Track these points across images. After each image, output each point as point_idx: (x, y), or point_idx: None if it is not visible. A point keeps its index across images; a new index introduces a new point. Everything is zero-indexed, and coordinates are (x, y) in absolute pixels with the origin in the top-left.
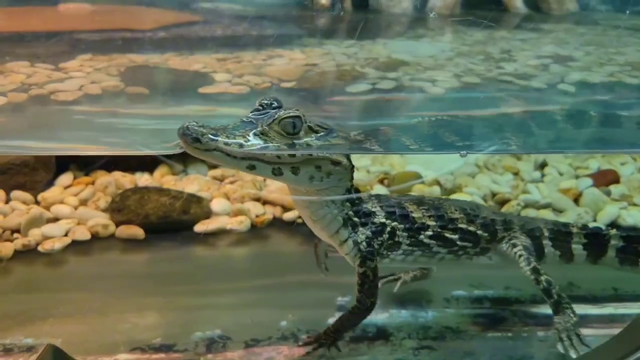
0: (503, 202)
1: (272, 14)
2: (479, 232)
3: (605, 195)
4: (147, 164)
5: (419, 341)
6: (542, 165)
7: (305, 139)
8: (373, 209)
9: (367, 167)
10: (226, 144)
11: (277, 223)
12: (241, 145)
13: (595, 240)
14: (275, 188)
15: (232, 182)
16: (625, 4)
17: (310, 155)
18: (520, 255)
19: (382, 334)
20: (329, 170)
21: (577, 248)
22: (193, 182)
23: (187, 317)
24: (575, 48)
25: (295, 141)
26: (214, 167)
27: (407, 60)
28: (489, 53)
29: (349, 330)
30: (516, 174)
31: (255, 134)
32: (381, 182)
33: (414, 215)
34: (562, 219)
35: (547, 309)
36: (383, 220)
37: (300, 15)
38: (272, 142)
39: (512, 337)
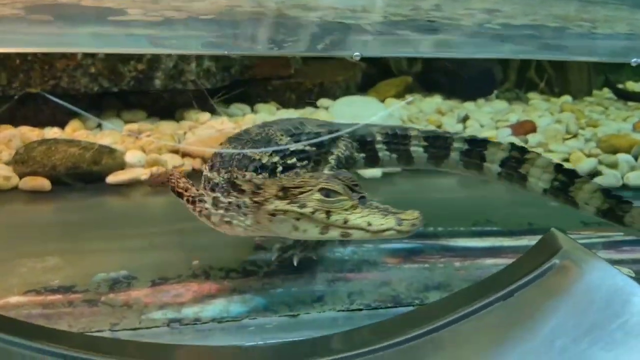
0: None
1: None
2: (307, 147)
3: (523, 144)
4: (58, 118)
5: (334, 274)
6: (465, 119)
7: None
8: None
9: None
10: None
11: (196, 174)
12: None
13: (437, 143)
14: (195, 140)
15: (148, 135)
16: None
17: None
18: (329, 162)
19: (298, 268)
20: None
21: (416, 151)
22: (108, 136)
23: (91, 260)
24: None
25: None
26: (132, 121)
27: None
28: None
29: None
30: (439, 127)
31: None
32: None
33: (262, 159)
34: None
35: (463, 242)
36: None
37: None
38: None
39: (429, 268)
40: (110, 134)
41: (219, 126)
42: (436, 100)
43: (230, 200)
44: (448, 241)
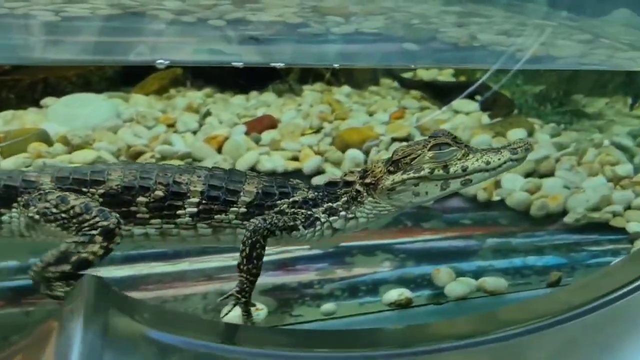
0: (137, 155)
1: None
2: None
3: (253, 142)
4: None
5: None
6: (206, 115)
7: None
8: None
9: None
10: None
11: None
12: None
13: None
14: None
15: None
16: None
17: None
18: None
19: None
20: None
21: None
22: None
23: None
24: None
25: None
26: None
27: None
28: None
29: None
30: (172, 125)
31: None
32: None
33: None
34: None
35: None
36: None
37: None
38: None
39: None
40: None
41: None
42: (198, 95)
43: (344, 199)
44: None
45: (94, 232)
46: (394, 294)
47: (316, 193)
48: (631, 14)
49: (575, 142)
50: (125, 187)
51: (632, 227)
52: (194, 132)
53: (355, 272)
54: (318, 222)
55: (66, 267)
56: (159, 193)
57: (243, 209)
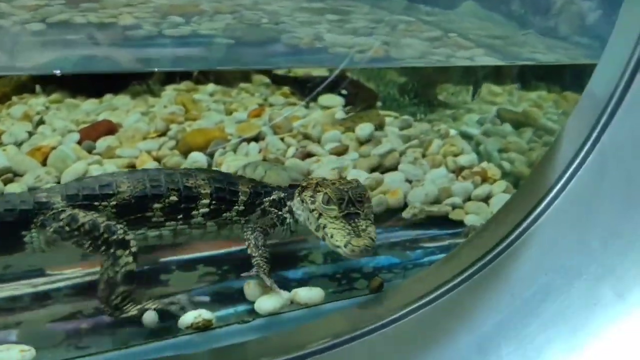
0: None
1: None
2: None
3: (84, 151)
4: None
5: None
6: (38, 124)
7: None
8: None
9: None
10: None
11: None
12: None
13: None
14: None
15: None
16: None
17: None
18: None
19: None
20: None
21: None
22: None
23: None
24: None
25: None
26: None
27: None
28: None
29: None
30: None
31: None
32: None
33: None
34: (16, 184)
35: None
36: None
37: None
38: None
39: None
40: None
41: None
42: (41, 101)
43: (298, 199)
44: None
45: (112, 249)
46: (191, 316)
47: (284, 194)
48: (475, 5)
49: (423, 133)
50: (138, 196)
51: (470, 219)
52: (20, 144)
53: (167, 291)
54: (286, 221)
55: (121, 288)
56: (174, 198)
57: (242, 207)
